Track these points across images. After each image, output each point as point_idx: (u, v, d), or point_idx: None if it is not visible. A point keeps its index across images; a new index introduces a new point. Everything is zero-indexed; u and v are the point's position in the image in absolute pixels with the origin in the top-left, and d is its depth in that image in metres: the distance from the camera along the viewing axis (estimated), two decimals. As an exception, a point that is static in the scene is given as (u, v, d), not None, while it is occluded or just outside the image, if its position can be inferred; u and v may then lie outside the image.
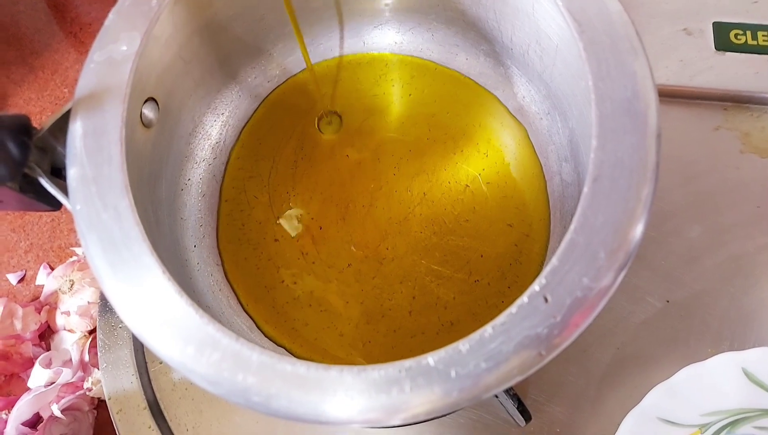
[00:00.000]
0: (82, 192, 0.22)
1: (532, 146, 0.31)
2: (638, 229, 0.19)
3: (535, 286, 0.19)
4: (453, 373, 0.19)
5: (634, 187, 0.19)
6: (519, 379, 0.19)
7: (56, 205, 0.25)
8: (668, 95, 0.36)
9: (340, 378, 0.19)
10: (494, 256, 0.30)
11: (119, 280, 0.21)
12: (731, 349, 0.30)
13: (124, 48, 0.23)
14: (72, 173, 0.22)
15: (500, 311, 0.26)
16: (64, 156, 0.23)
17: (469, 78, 0.32)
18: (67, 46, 0.49)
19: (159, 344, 0.20)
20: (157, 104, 0.28)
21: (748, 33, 0.37)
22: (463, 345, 0.19)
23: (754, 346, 0.29)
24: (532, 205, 0.30)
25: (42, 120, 0.23)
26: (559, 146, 0.30)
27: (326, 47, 0.34)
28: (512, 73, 0.31)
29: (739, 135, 0.35)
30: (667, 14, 0.38)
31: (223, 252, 0.31)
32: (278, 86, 0.34)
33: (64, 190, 0.23)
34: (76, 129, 0.23)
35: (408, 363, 0.19)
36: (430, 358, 0.19)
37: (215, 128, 0.33)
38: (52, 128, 0.24)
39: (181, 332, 0.20)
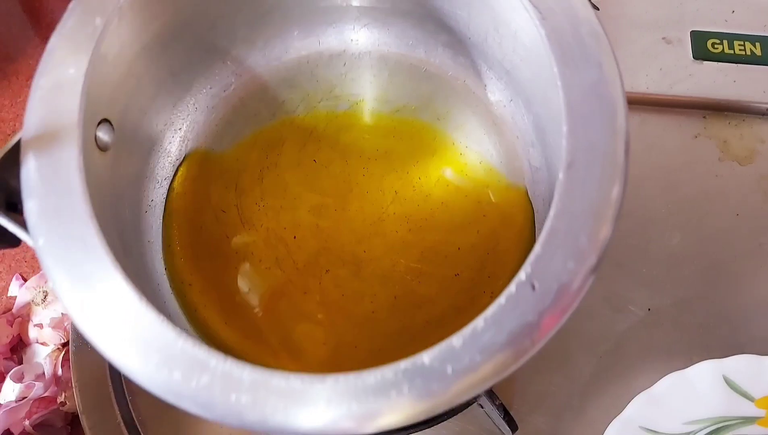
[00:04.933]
0: (44, 225, 0.21)
1: (500, 133, 0.31)
2: (615, 210, 0.20)
3: (521, 275, 0.19)
4: (449, 370, 0.19)
5: (608, 170, 0.20)
6: (514, 368, 0.19)
7: (15, 241, 0.24)
8: (648, 103, 0.37)
9: (336, 387, 0.19)
10: (471, 247, 0.30)
11: (95, 314, 0.20)
12: (712, 356, 0.30)
13: (72, 71, 0.22)
14: (30, 206, 0.21)
15: (483, 302, 0.26)
16: (18, 190, 0.22)
17: (431, 69, 0.32)
18: (43, 52, 0.47)
19: (145, 375, 0.19)
20: (112, 126, 0.26)
21: (725, 42, 0.38)
22: (456, 340, 0.19)
23: (734, 354, 0.29)
24: (503, 192, 0.30)
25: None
26: (525, 132, 0.30)
27: (281, 49, 0.33)
28: (472, 63, 0.31)
29: (718, 143, 0.36)
30: (647, 24, 0.39)
31: (195, 273, 0.30)
32: (235, 95, 0.33)
33: (23, 225, 0.22)
34: (30, 160, 0.22)
35: (403, 364, 0.19)
36: (425, 357, 0.19)
37: (174, 145, 0.32)
38: (3, 162, 0.23)
39: (166, 359, 0.19)
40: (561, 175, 0.19)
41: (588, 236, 0.19)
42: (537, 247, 0.19)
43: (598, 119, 0.20)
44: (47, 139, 0.21)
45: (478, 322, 0.19)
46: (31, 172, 0.21)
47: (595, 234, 0.19)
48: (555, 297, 0.19)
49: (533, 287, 0.19)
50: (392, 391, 0.19)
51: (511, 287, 0.19)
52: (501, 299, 0.19)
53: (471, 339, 0.19)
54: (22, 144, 0.22)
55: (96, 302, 0.20)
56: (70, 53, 0.23)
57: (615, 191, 0.19)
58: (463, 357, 0.19)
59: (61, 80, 0.23)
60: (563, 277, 0.19)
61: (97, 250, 0.20)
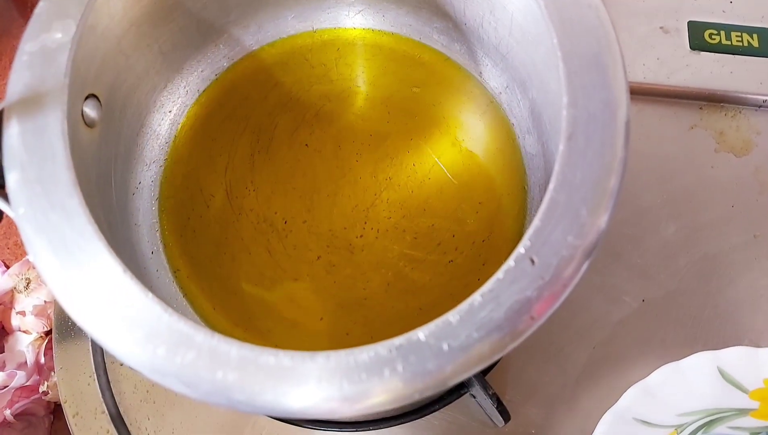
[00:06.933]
0: (25, 194, 0.20)
1: (495, 119, 0.30)
2: (616, 184, 0.19)
3: (521, 249, 0.18)
4: (445, 347, 0.18)
5: (608, 142, 0.19)
6: (513, 346, 0.18)
7: (-4, 215, 0.23)
8: (645, 93, 0.36)
9: (327, 364, 0.18)
10: (466, 234, 0.29)
11: (75, 285, 0.19)
12: (706, 348, 0.30)
13: (59, 36, 0.22)
14: (12, 177, 0.20)
15: (478, 289, 0.25)
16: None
17: (425, 55, 0.32)
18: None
19: (127, 350, 0.18)
20: (100, 102, 0.26)
21: (722, 33, 0.37)
22: (453, 316, 0.18)
23: (728, 345, 0.29)
24: (499, 179, 0.30)
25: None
26: (520, 119, 0.30)
27: (274, 34, 0.33)
28: (467, 49, 0.31)
29: (714, 134, 0.36)
30: (644, 12, 0.38)
31: (183, 257, 0.30)
32: (227, 78, 0.32)
33: (4, 198, 0.21)
34: (13, 128, 0.21)
35: (398, 341, 0.18)
36: (421, 333, 0.18)
37: (164, 126, 0.31)
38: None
39: (150, 334, 0.18)
40: (561, 147, 0.19)
41: (589, 210, 0.19)
42: (536, 220, 0.19)
43: (598, 90, 0.20)
44: (32, 104, 0.21)
45: (476, 297, 0.18)
46: (13, 138, 0.20)
47: (596, 208, 0.19)
48: (554, 272, 0.18)
49: (532, 262, 0.18)
50: (385, 369, 0.18)
51: (510, 261, 0.18)
52: (499, 274, 0.18)
53: (468, 315, 0.18)
54: (5, 110, 0.21)
55: (77, 273, 0.19)
56: (58, 18, 0.22)
57: (616, 164, 0.19)
58: (460, 333, 0.18)
59: (47, 45, 0.22)
60: (563, 251, 0.18)
61: (80, 219, 0.19)
